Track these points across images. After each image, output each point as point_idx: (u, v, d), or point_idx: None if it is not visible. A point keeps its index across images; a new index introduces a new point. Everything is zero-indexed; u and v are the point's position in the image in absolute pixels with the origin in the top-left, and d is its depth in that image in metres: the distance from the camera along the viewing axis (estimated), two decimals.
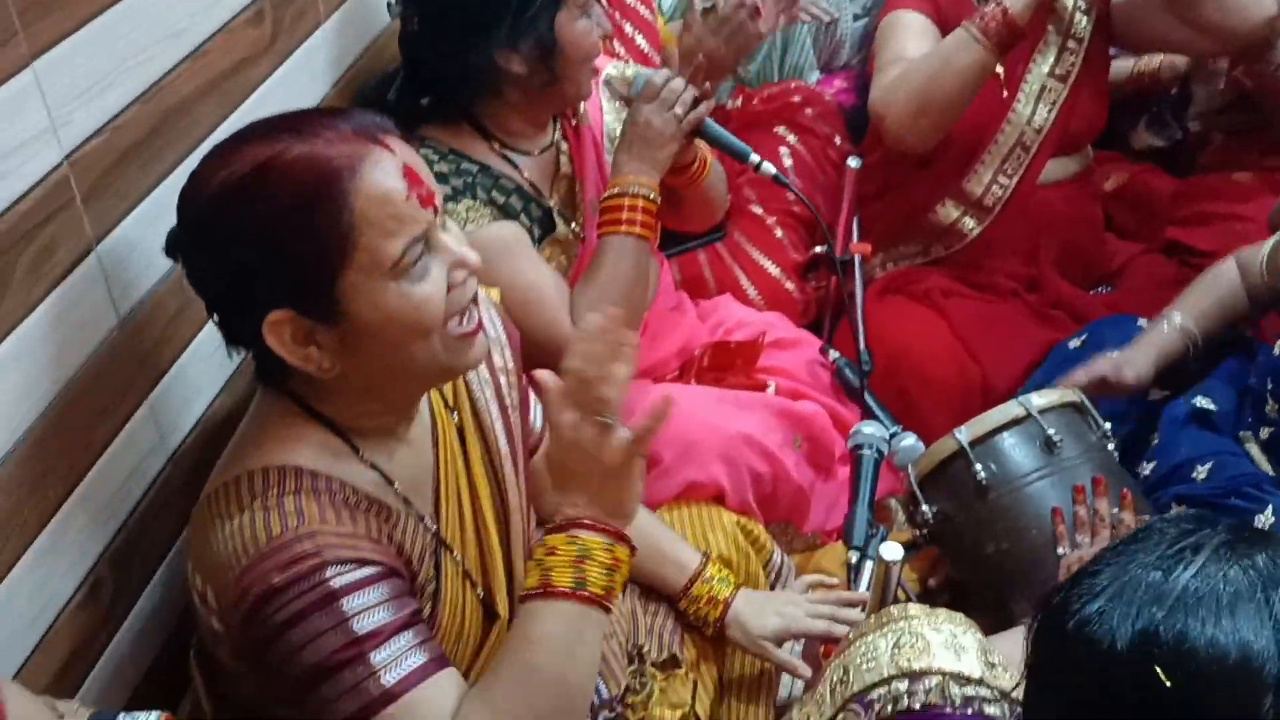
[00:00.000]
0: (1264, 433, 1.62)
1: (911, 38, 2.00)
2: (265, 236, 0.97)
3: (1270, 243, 1.70)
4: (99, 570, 1.13)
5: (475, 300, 1.08)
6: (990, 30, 1.86)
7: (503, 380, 1.27)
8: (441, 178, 1.57)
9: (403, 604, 1.01)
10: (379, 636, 0.98)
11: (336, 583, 0.97)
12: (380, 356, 1.03)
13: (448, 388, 1.22)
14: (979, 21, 1.87)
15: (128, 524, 1.17)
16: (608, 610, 1.05)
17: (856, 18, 2.98)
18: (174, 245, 1.05)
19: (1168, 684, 0.67)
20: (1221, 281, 1.76)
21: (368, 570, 1.00)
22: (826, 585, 1.55)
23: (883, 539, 1.45)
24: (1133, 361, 1.69)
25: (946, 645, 0.95)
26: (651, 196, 1.55)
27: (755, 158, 1.58)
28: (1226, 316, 1.75)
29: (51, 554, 1.05)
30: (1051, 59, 2.08)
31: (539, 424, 1.35)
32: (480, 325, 1.09)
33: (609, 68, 1.77)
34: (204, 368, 1.29)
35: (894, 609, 1.03)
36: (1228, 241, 2.11)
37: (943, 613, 1.03)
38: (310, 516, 1.00)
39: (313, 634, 0.97)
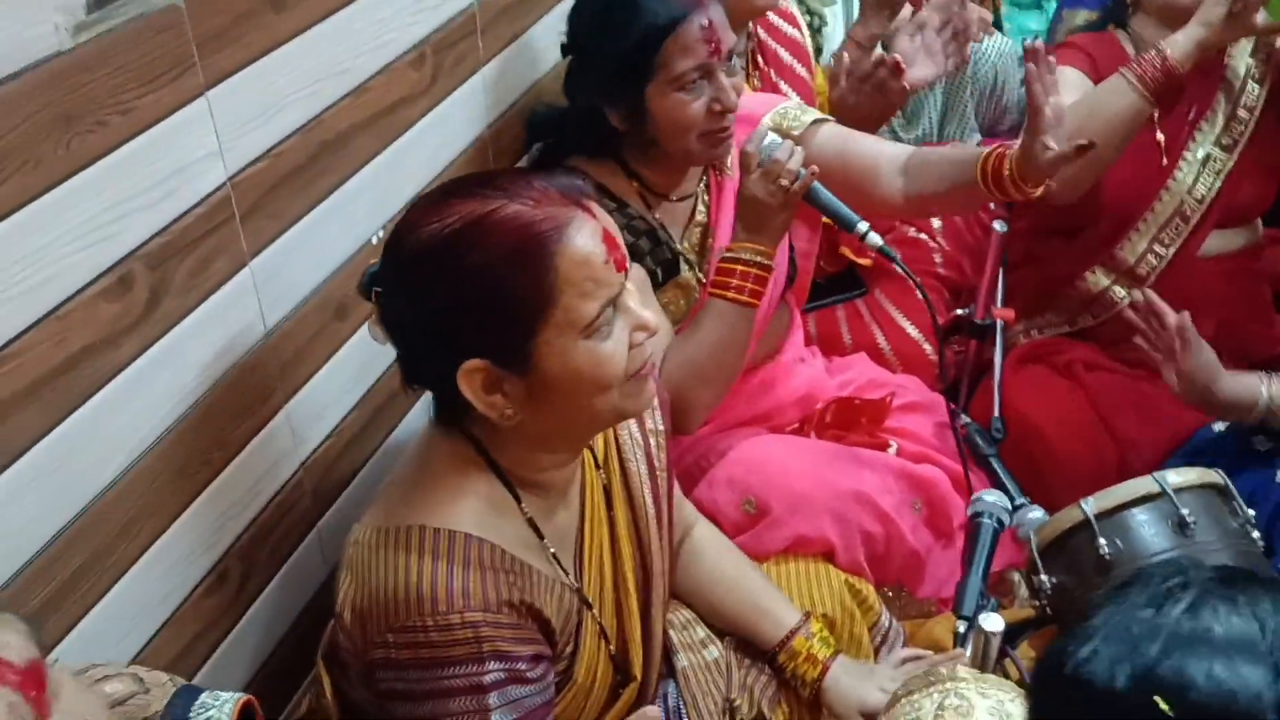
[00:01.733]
0: None
1: (1066, 91, 1.95)
2: (472, 290, 1.02)
3: None
4: (227, 561, 1.21)
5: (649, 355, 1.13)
6: (1147, 75, 1.81)
7: (653, 442, 1.31)
8: None
9: (543, 695, 1.10)
10: None
11: (486, 679, 1.05)
12: (561, 406, 1.07)
13: (599, 447, 1.26)
14: (1136, 67, 1.83)
15: (257, 521, 1.26)
16: None
17: (1023, 82, 2.93)
18: (372, 285, 1.10)
19: (1173, 715, 0.66)
20: None
21: (516, 666, 1.07)
22: (922, 658, 1.50)
23: (993, 609, 1.41)
24: (1200, 377, 1.66)
25: (991, 711, 0.92)
26: (764, 263, 1.56)
27: (863, 226, 1.53)
28: None
29: (185, 540, 1.14)
30: (1219, 127, 2.02)
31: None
32: (652, 367, 1.14)
33: (768, 116, 1.79)
34: (339, 384, 1.37)
35: (944, 669, 1.00)
36: None
37: (993, 678, 1.00)
38: (474, 598, 1.05)
39: (452, 712, 1.05)
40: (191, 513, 1.14)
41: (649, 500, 1.28)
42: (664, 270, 1.70)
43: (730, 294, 1.56)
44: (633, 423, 1.30)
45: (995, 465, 1.83)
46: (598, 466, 1.26)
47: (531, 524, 1.15)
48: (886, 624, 1.60)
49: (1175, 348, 1.71)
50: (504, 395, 1.06)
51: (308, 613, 1.35)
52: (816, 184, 1.54)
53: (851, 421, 1.80)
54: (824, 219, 1.74)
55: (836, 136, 1.73)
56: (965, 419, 1.91)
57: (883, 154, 1.71)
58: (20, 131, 0.86)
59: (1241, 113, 2.02)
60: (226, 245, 1.14)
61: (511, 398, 1.06)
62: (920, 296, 1.57)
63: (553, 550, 1.16)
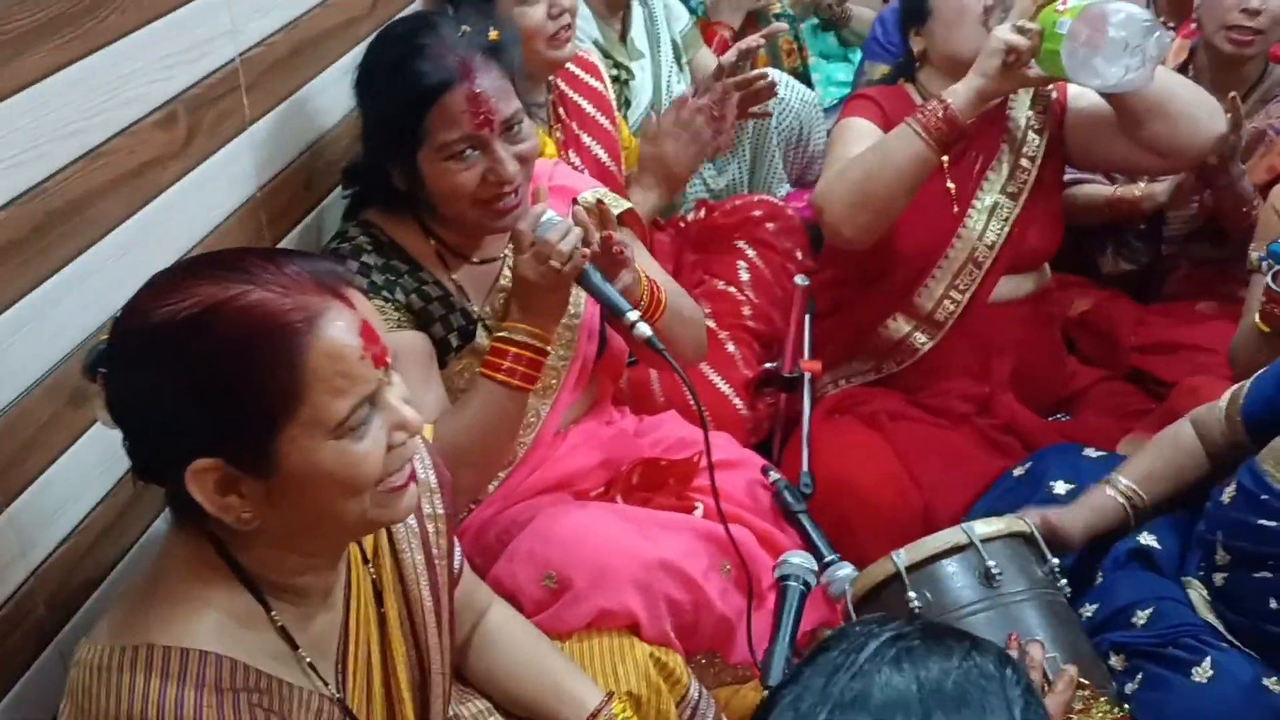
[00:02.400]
0: (1218, 578, 1.54)
1: (857, 142, 2.00)
2: (205, 382, 0.93)
3: (1226, 396, 1.63)
4: None
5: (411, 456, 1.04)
6: (931, 125, 1.86)
7: (431, 528, 1.21)
8: (366, 269, 1.55)
9: None
10: None
11: None
12: (304, 510, 0.98)
13: (367, 540, 1.17)
14: (920, 117, 1.88)
15: None
16: None
17: (828, 133, 3.00)
18: (95, 366, 0.98)
19: None
20: (1179, 443, 1.66)
21: None
22: None
23: None
24: (1063, 522, 1.60)
25: None
26: (536, 345, 1.51)
27: (632, 316, 1.47)
28: (1183, 479, 1.64)
29: None
30: (1005, 175, 2.09)
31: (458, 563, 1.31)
32: (413, 477, 1.05)
33: (586, 193, 1.74)
34: (78, 479, 1.24)
35: None
36: (1190, 370, 2.08)
37: None
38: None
39: None
40: None
41: (426, 593, 1.19)
42: (459, 335, 1.63)
43: (500, 376, 1.50)
44: None
45: (805, 522, 1.82)
46: (365, 561, 1.16)
47: (283, 632, 1.04)
48: (696, 695, 1.54)
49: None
50: (240, 497, 0.96)
51: None
52: (589, 268, 1.48)
53: (659, 483, 1.75)
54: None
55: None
56: (775, 475, 1.89)
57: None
58: None
59: (1024, 162, 2.10)
60: None
61: (250, 499, 0.96)
62: (686, 383, 1.52)
63: (309, 660, 1.06)
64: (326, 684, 1.08)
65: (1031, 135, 2.10)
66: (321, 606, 1.10)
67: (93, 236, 1.23)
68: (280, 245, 1.62)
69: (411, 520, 1.20)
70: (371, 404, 0.98)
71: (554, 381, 1.73)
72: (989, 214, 2.07)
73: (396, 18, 1.77)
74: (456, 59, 1.49)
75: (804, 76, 3.19)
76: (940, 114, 1.86)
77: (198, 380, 0.93)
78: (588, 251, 1.47)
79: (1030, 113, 2.11)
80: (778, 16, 3.09)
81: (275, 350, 0.92)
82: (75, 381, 1.20)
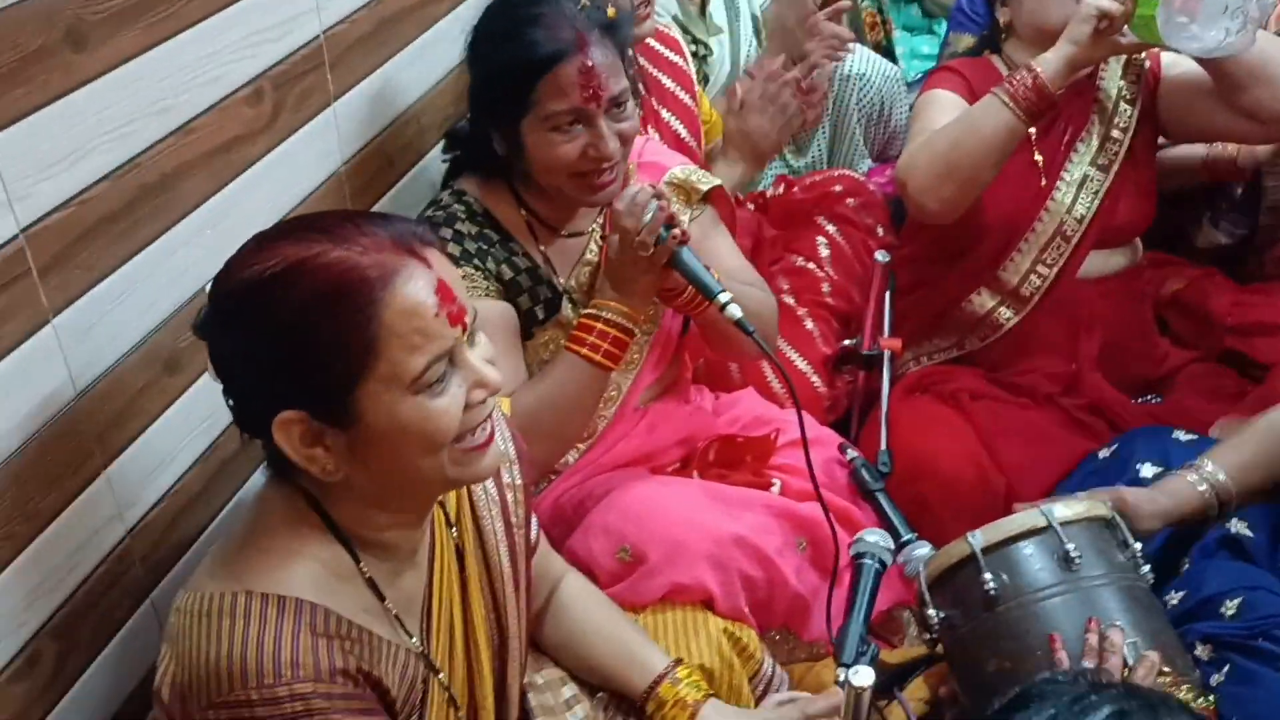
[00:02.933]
0: None
1: (941, 114, 1.96)
2: (287, 337, 0.97)
3: None
4: (38, 642, 1.11)
5: (489, 415, 1.07)
6: (1019, 95, 1.81)
7: (510, 497, 1.25)
8: (459, 237, 1.58)
9: None
10: None
11: None
12: (386, 465, 1.02)
13: (451, 504, 1.20)
14: (1009, 86, 1.83)
15: (75, 596, 1.16)
16: None
17: (911, 106, 2.95)
18: (203, 324, 1.04)
19: None
20: (1276, 429, 1.58)
21: None
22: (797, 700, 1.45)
23: (872, 658, 1.36)
24: (1138, 504, 1.54)
25: None
26: (624, 324, 1.51)
27: (724, 298, 1.44)
28: (1278, 468, 1.57)
29: None
30: (1095, 148, 2.03)
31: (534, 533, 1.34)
32: (492, 438, 1.07)
33: (676, 170, 1.75)
34: (173, 442, 1.28)
35: None
36: None
37: None
38: (304, 668, 0.98)
39: None
40: None
41: (505, 558, 1.22)
42: (545, 308, 1.64)
43: (584, 350, 1.51)
44: (489, 479, 1.23)
45: (882, 500, 1.80)
46: (450, 525, 1.19)
47: (372, 585, 1.08)
48: (769, 671, 1.55)
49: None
50: (325, 449, 1.00)
51: (141, 696, 1.25)
52: (685, 250, 1.48)
53: (736, 460, 1.75)
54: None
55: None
56: (853, 453, 1.88)
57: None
58: None
59: (1115, 134, 2.04)
60: (21, 303, 1.04)
61: (334, 452, 1.00)
62: (775, 365, 1.53)
63: (396, 613, 1.10)
64: (411, 637, 1.11)
65: (1124, 105, 2.04)
66: (408, 564, 1.13)
67: (182, 210, 1.27)
68: None
69: (491, 488, 1.23)
70: (450, 361, 1.00)
71: (636, 357, 1.74)
72: (1078, 187, 2.01)
73: None
74: (573, 31, 1.51)
75: (888, 50, 3.14)
76: (1029, 83, 1.81)
77: (280, 335, 0.97)
78: (678, 233, 1.47)
79: (1122, 82, 2.05)
80: None
81: (352, 306, 0.95)
82: (169, 349, 1.26)
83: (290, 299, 0.96)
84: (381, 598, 1.09)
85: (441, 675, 1.16)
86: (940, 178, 1.88)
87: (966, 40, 2.70)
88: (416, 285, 0.98)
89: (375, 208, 1.71)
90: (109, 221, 1.15)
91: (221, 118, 1.31)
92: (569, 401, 1.53)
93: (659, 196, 1.49)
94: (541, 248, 1.67)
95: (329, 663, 1.00)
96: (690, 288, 1.50)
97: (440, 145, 1.81)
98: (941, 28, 3.36)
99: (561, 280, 1.67)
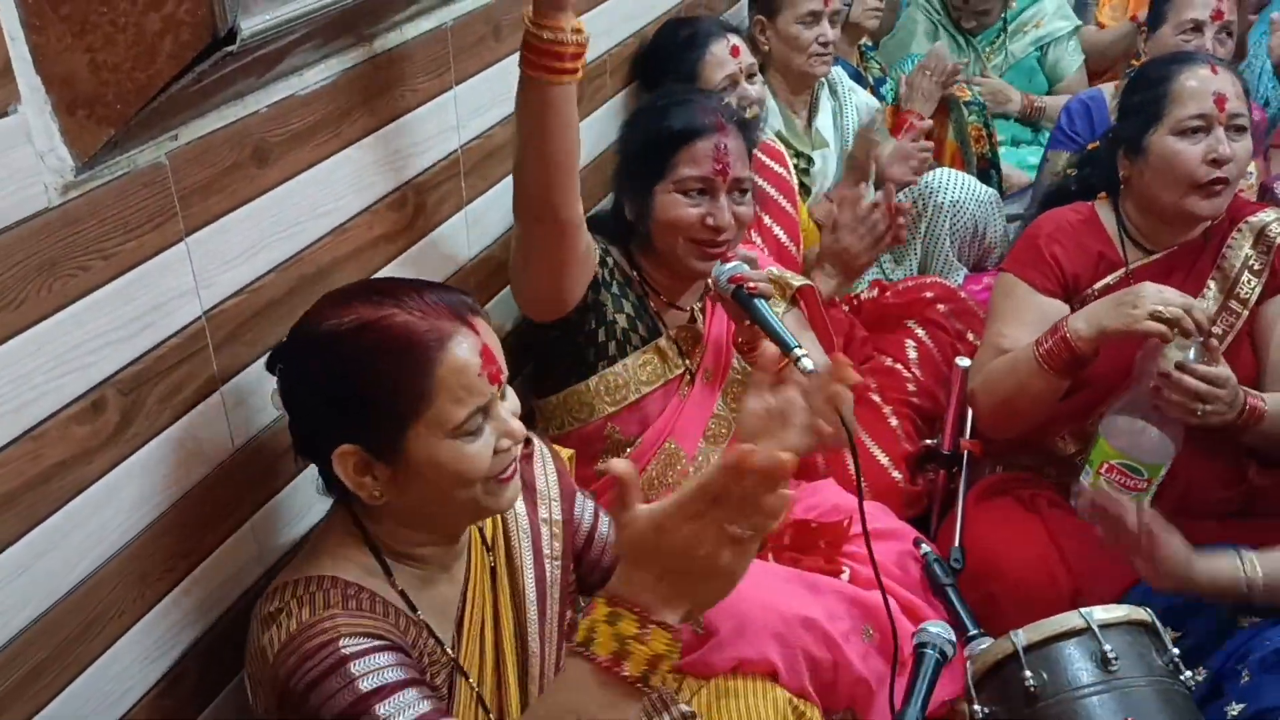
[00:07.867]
0: None
1: (1011, 316, 2.02)
2: (356, 384, 1.16)
3: None
4: (185, 663, 1.30)
5: (515, 459, 1.25)
6: (1050, 357, 1.88)
7: (545, 532, 1.41)
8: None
9: (407, 669, 1.14)
10: (383, 692, 1.11)
11: (346, 650, 1.12)
12: (423, 494, 1.20)
13: (489, 531, 1.38)
14: (1041, 348, 1.89)
15: (219, 624, 1.34)
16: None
17: (1011, 219, 3.04)
18: (274, 361, 1.26)
19: None
20: None
21: (375, 642, 1.14)
22: None
23: None
24: (1173, 551, 1.58)
25: None
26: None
27: (798, 351, 1.53)
28: None
29: (144, 642, 1.23)
30: (1210, 313, 1.92)
31: (606, 531, 1.46)
32: (514, 472, 1.25)
33: (772, 268, 2.00)
34: (305, 499, 1.47)
35: None
36: None
37: None
38: (333, 606, 1.17)
39: (326, 696, 1.11)
40: (152, 617, 1.23)
41: (532, 586, 1.39)
42: (647, 331, 1.87)
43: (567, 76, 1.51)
44: (524, 512, 1.40)
45: (951, 595, 1.88)
46: (487, 548, 1.37)
47: (404, 595, 1.25)
48: None
49: (1141, 544, 1.65)
50: (374, 478, 1.19)
51: None
52: (759, 301, 1.67)
53: (809, 545, 1.86)
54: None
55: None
56: (926, 548, 1.96)
57: None
58: (5, 276, 0.98)
59: (1234, 304, 1.97)
60: (198, 371, 1.25)
61: (381, 481, 1.19)
62: (849, 447, 1.60)
63: (426, 621, 1.26)
64: (441, 644, 1.28)
65: (1248, 276, 1.97)
66: (442, 576, 1.31)
67: None
68: (486, 309, 1.86)
69: (525, 522, 1.40)
70: (485, 414, 1.19)
71: (724, 431, 1.88)
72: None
73: None
74: (715, 117, 1.81)
75: (992, 162, 3.24)
76: (1061, 345, 1.86)
77: (350, 379, 1.16)
78: (765, 284, 1.71)
79: (1251, 251, 1.98)
80: (968, 105, 3.18)
81: (412, 362, 1.15)
82: None
83: (360, 351, 1.15)
84: (414, 608, 1.26)
85: (471, 680, 1.31)
86: (1000, 417, 2.02)
87: (1065, 157, 2.80)
88: (465, 348, 1.17)
89: (493, 300, 1.91)
90: (273, 305, 1.36)
91: (372, 219, 1.53)
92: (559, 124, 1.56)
93: (749, 261, 1.76)
94: (655, 306, 1.90)
95: (374, 626, 1.17)
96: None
97: None
98: (1046, 136, 3.42)
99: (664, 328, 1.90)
